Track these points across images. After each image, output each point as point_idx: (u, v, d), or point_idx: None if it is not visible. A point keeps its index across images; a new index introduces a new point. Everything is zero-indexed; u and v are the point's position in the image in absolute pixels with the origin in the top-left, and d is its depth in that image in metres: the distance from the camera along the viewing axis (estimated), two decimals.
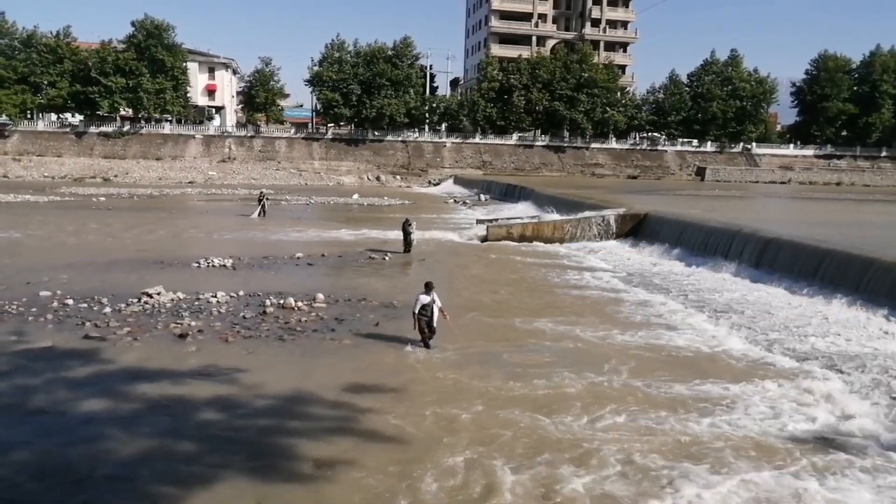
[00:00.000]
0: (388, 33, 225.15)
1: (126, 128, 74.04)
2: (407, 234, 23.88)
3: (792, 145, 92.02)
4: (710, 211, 32.00)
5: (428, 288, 12.49)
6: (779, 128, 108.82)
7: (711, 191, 57.28)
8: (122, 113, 75.45)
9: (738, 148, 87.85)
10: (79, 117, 75.03)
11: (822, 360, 12.08)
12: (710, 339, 13.63)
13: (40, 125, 72.71)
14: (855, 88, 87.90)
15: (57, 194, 46.42)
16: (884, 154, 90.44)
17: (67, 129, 73.14)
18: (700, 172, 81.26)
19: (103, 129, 73.02)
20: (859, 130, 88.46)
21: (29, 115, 73.15)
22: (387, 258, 22.71)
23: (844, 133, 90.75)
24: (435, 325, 12.50)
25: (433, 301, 12.36)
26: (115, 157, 70.58)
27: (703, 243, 23.53)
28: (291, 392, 10.14)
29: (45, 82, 70.72)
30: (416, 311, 12.30)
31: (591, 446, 8.54)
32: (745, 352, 12.84)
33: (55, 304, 14.87)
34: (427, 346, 12.47)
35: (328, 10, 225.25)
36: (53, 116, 75.51)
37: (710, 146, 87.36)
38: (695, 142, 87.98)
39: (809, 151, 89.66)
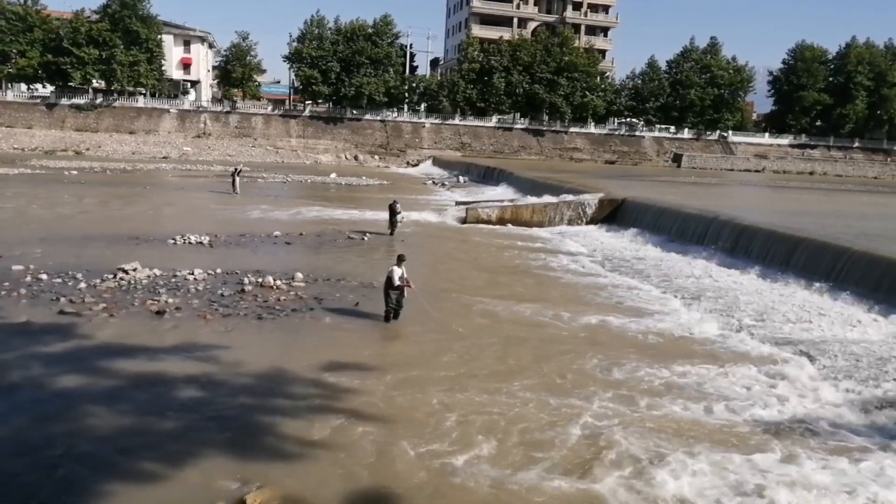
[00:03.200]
0: (369, 10, 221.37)
1: (99, 100, 72.46)
2: (393, 215, 23.77)
3: (767, 134, 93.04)
4: (687, 197, 32.33)
5: (400, 261, 12.87)
6: (755, 116, 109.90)
7: (688, 177, 57.79)
8: (95, 85, 73.66)
9: (715, 135, 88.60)
10: (50, 88, 73.20)
11: (794, 347, 12.33)
12: (684, 324, 13.84)
13: (9, 95, 70.84)
14: (830, 79, 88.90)
15: (27, 167, 45.39)
16: (856, 145, 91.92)
17: (38, 101, 71.34)
18: (677, 159, 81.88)
19: (75, 101, 71.38)
20: (833, 121, 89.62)
21: None
22: (366, 238, 22.64)
23: (819, 123, 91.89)
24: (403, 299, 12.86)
25: (403, 274, 12.68)
26: (87, 129, 69.12)
27: (679, 229, 23.81)
28: (271, 370, 10.12)
29: (14, 51, 68.81)
30: (396, 284, 12.53)
31: (562, 426, 8.65)
32: (718, 337, 13.06)
33: (28, 278, 14.63)
34: (388, 319, 12.73)
35: None
36: (23, 87, 73.53)
37: (687, 133, 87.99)
38: (672, 128, 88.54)
39: (784, 141, 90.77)
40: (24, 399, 8.79)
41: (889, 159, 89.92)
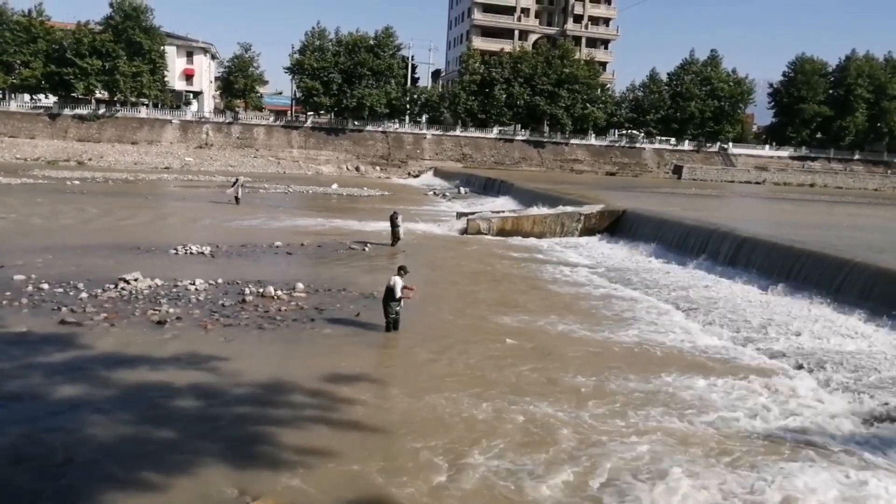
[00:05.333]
0: (371, 22, 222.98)
1: (101, 111, 72.79)
2: (394, 227, 23.83)
3: (768, 146, 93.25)
4: (687, 209, 32.38)
5: (401, 272, 12.92)
6: (755, 128, 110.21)
7: (688, 189, 57.89)
8: (98, 95, 74.10)
9: (715, 147, 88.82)
10: (53, 99, 73.59)
11: (794, 358, 12.31)
12: (683, 336, 13.83)
13: (12, 106, 71.20)
14: (830, 91, 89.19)
15: (30, 177, 45.56)
16: (856, 157, 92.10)
17: (41, 111, 71.72)
18: (677, 171, 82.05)
19: (78, 111, 71.75)
20: (833, 133, 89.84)
21: (1, 95, 71.65)
22: (367, 249, 22.68)
23: (819, 135, 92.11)
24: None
25: (402, 285, 12.74)
26: (89, 140, 69.43)
27: (679, 240, 23.83)
28: (271, 380, 10.12)
29: (18, 62, 69.23)
30: (399, 296, 12.59)
31: (560, 438, 8.65)
32: (717, 348, 13.05)
33: (30, 288, 14.66)
34: (389, 330, 12.76)
35: None
36: (26, 97, 73.95)
37: (687, 145, 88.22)
38: (673, 140, 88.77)
39: (784, 153, 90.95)
40: (24, 408, 8.80)
41: (889, 171, 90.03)
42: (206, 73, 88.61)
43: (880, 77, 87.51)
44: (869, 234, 25.57)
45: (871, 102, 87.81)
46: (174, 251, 20.11)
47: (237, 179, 36.75)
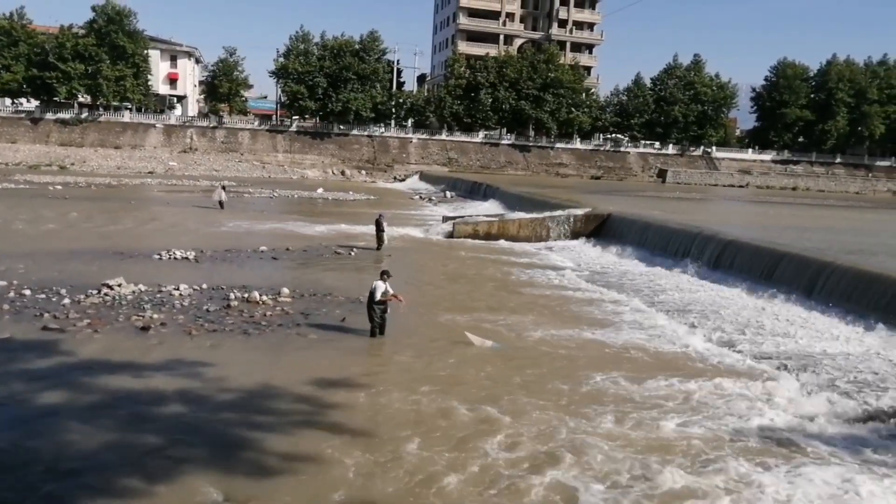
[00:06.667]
0: (356, 26, 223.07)
1: (84, 115, 72.16)
2: (380, 231, 23.80)
3: (751, 150, 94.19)
4: (672, 212, 32.61)
5: (384, 276, 12.90)
6: (738, 132, 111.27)
7: (672, 193, 58.31)
8: (81, 100, 73.47)
9: (699, 151, 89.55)
10: (35, 103, 72.89)
11: (777, 360, 12.42)
12: (668, 338, 13.90)
13: None
14: (812, 96, 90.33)
15: (11, 181, 45.10)
16: (838, 161, 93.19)
17: (22, 115, 71.01)
18: (661, 174, 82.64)
19: (60, 115, 71.10)
20: (815, 137, 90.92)
21: None
22: (352, 253, 22.64)
23: (801, 139, 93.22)
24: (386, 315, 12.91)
25: (387, 289, 12.74)
26: (72, 144, 68.82)
27: (664, 244, 23.99)
28: (257, 386, 10.09)
29: None
30: (378, 299, 12.59)
31: (544, 442, 8.68)
32: (702, 351, 13.13)
33: (12, 294, 14.52)
34: (374, 335, 12.74)
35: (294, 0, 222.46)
36: (8, 101, 73.16)
37: (671, 149, 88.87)
38: (657, 144, 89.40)
39: (767, 156, 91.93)
40: (6, 416, 8.71)
41: (870, 174, 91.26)
42: (190, 77, 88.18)
43: (861, 81, 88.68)
44: (856, 237, 25.84)
45: (851, 106, 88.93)
46: (158, 256, 19.97)
47: (221, 184, 36.56)
